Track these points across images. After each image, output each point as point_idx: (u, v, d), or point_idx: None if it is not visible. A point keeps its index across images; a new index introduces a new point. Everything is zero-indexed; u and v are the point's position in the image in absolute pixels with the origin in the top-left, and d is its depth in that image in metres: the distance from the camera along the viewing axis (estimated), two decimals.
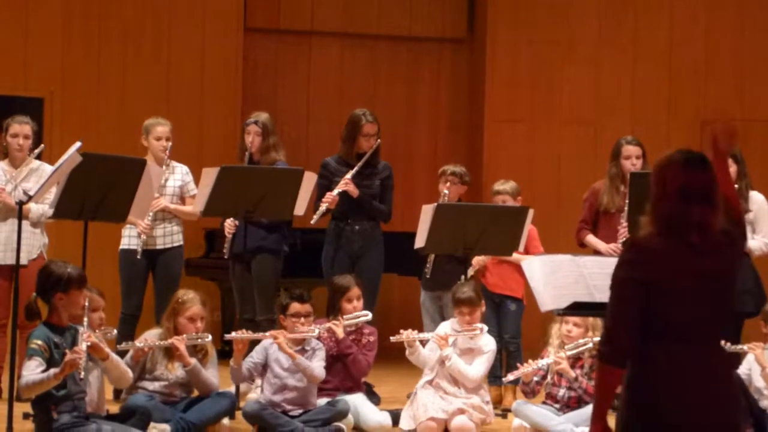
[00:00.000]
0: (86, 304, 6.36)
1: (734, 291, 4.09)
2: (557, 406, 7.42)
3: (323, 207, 8.39)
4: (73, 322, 6.38)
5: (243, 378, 7.44)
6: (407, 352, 7.54)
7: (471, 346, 7.55)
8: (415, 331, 7.60)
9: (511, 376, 7.55)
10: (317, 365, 7.30)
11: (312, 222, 8.44)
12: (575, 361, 7.38)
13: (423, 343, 7.57)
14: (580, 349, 7.33)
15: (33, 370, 6.13)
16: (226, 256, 8.49)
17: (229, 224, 8.42)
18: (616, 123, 11.45)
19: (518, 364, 7.66)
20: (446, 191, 8.51)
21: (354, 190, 8.43)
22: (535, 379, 7.48)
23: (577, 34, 11.82)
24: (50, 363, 6.18)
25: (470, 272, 8.16)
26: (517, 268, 8.30)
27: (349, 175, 8.44)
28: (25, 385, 6.17)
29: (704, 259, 4.01)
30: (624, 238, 8.09)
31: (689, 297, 3.97)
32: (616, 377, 4.03)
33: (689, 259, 4.00)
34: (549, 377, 7.45)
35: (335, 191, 8.40)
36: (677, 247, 4.01)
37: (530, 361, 7.43)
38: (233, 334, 7.35)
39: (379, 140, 8.60)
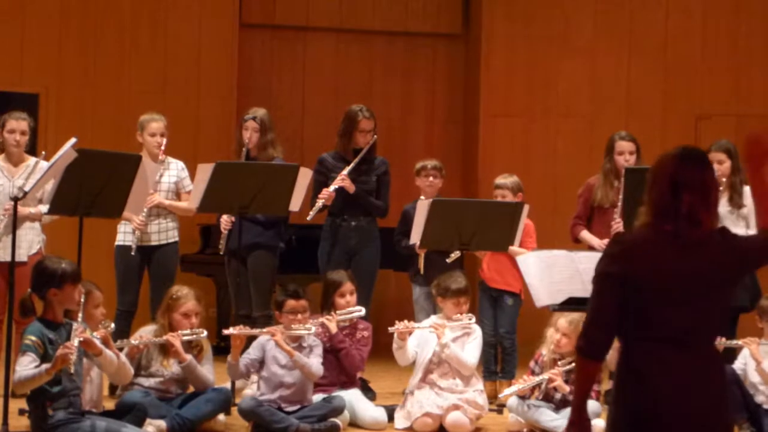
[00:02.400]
0: (81, 299, 6.35)
1: (726, 294, 4.06)
2: (552, 405, 7.45)
3: (319, 203, 8.39)
4: (70, 317, 6.38)
5: (240, 374, 7.44)
6: (395, 347, 7.55)
7: (458, 334, 7.59)
8: (411, 322, 7.63)
9: (508, 391, 7.58)
10: (315, 362, 7.30)
11: (308, 218, 8.44)
12: (569, 373, 7.41)
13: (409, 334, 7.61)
14: (573, 365, 7.37)
15: (26, 366, 6.13)
16: (221, 253, 8.49)
17: (225, 220, 8.43)
18: (612, 117, 11.46)
19: (513, 381, 7.71)
20: (426, 191, 8.55)
21: (350, 186, 8.43)
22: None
23: (572, 29, 11.81)
24: (44, 359, 6.17)
25: (453, 256, 8.17)
26: (515, 262, 8.32)
27: (345, 171, 8.44)
28: (18, 381, 6.17)
29: (690, 257, 3.98)
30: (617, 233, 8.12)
31: (671, 295, 3.94)
32: (594, 370, 4.05)
33: (672, 256, 3.97)
34: (543, 385, 7.49)
35: (332, 187, 8.40)
36: (662, 242, 4.00)
37: (525, 377, 7.47)
38: (231, 329, 7.35)
39: (375, 136, 8.61)
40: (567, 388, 7.35)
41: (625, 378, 3.99)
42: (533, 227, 8.52)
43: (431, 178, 8.62)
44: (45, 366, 6.10)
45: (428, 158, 8.90)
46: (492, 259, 8.58)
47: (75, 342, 6.12)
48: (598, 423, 6.33)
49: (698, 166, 4.04)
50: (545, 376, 7.38)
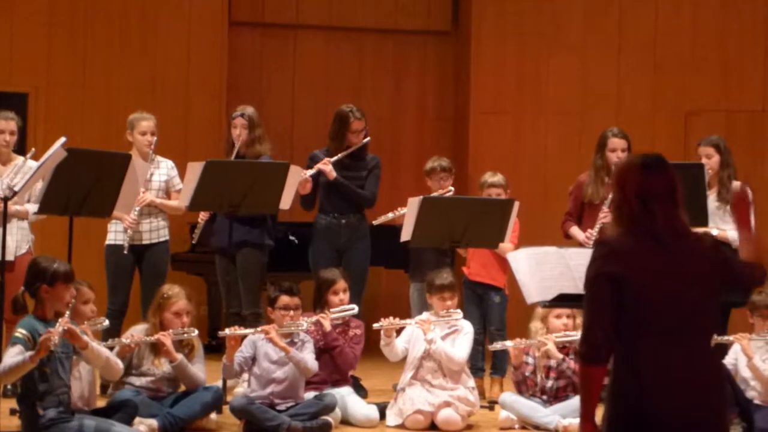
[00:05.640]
0: (72, 301, 6.33)
1: (715, 286, 4.08)
2: (545, 397, 7.46)
3: (301, 178, 8.32)
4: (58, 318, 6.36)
5: (235, 374, 7.43)
6: (382, 343, 7.57)
7: (449, 330, 7.60)
8: (397, 319, 7.63)
9: (498, 345, 7.60)
10: (309, 357, 7.31)
11: (285, 206, 8.29)
12: (561, 349, 7.43)
13: (398, 332, 7.60)
14: (569, 338, 7.37)
15: (12, 356, 6.13)
16: (194, 242, 8.52)
17: (202, 214, 8.46)
18: (602, 114, 11.45)
19: (506, 342, 7.70)
20: (452, 188, 8.58)
21: (331, 172, 8.43)
22: (526, 373, 7.53)
23: (562, 26, 11.81)
24: None
25: None
26: (499, 256, 8.34)
27: (333, 159, 8.44)
28: (2, 370, 6.18)
29: (675, 251, 4.01)
30: (601, 225, 8.13)
31: (662, 289, 3.97)
32: (598, 376, 4.03)
33: (658, 252, 4.00)
34: (539, 376, 7.49)
35: (309, 172, 8.39)
36: (646, 243, 4.02)
37: (518, 339, 7.48)
38: (226, 331, 7.35)
39: (368, 138, 8.61)
40: (558, 354, 7.37)
41: (621, 373, 4.00)
42: (516, 223, 8.52)
43: (442, 181, 8.67)
44: (29, 353, 6.08)
45: (435, 157, 8.92)
46: (477, 253, 8.58)
47: (59, 329, 6.10)
48: None
49: (660, 172, 4.08)
50: (539, 339, 7.41)
